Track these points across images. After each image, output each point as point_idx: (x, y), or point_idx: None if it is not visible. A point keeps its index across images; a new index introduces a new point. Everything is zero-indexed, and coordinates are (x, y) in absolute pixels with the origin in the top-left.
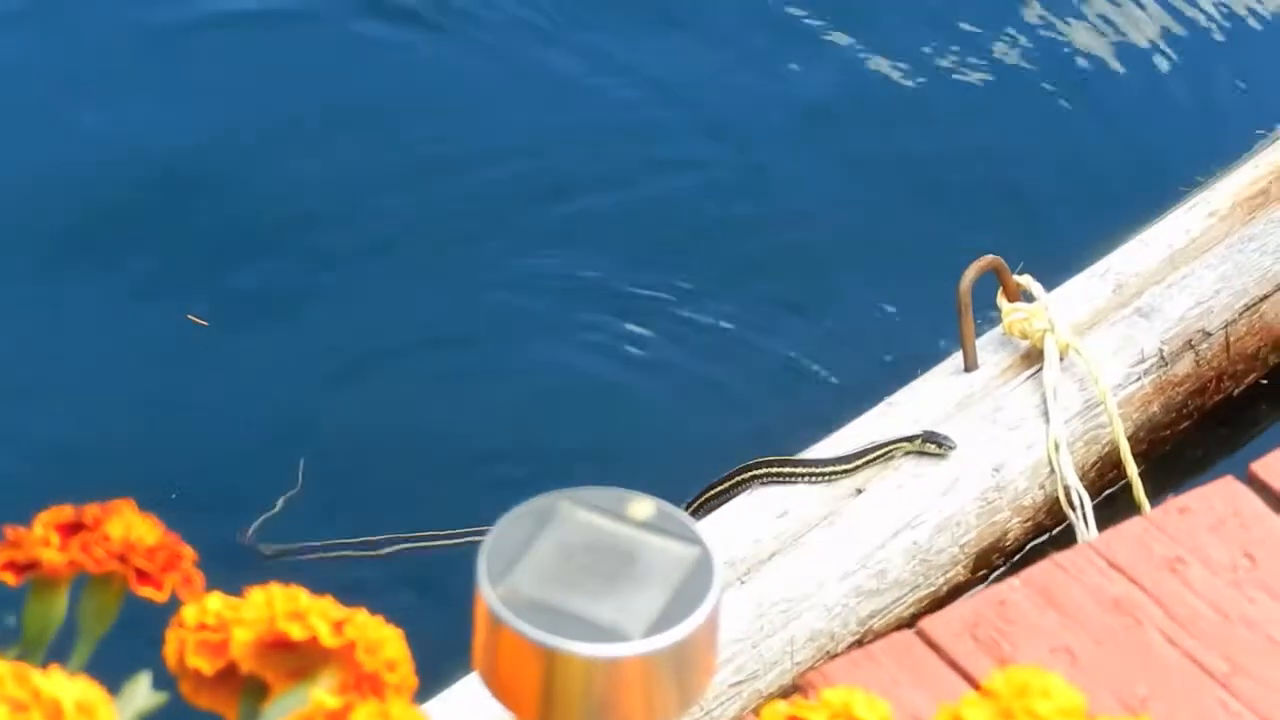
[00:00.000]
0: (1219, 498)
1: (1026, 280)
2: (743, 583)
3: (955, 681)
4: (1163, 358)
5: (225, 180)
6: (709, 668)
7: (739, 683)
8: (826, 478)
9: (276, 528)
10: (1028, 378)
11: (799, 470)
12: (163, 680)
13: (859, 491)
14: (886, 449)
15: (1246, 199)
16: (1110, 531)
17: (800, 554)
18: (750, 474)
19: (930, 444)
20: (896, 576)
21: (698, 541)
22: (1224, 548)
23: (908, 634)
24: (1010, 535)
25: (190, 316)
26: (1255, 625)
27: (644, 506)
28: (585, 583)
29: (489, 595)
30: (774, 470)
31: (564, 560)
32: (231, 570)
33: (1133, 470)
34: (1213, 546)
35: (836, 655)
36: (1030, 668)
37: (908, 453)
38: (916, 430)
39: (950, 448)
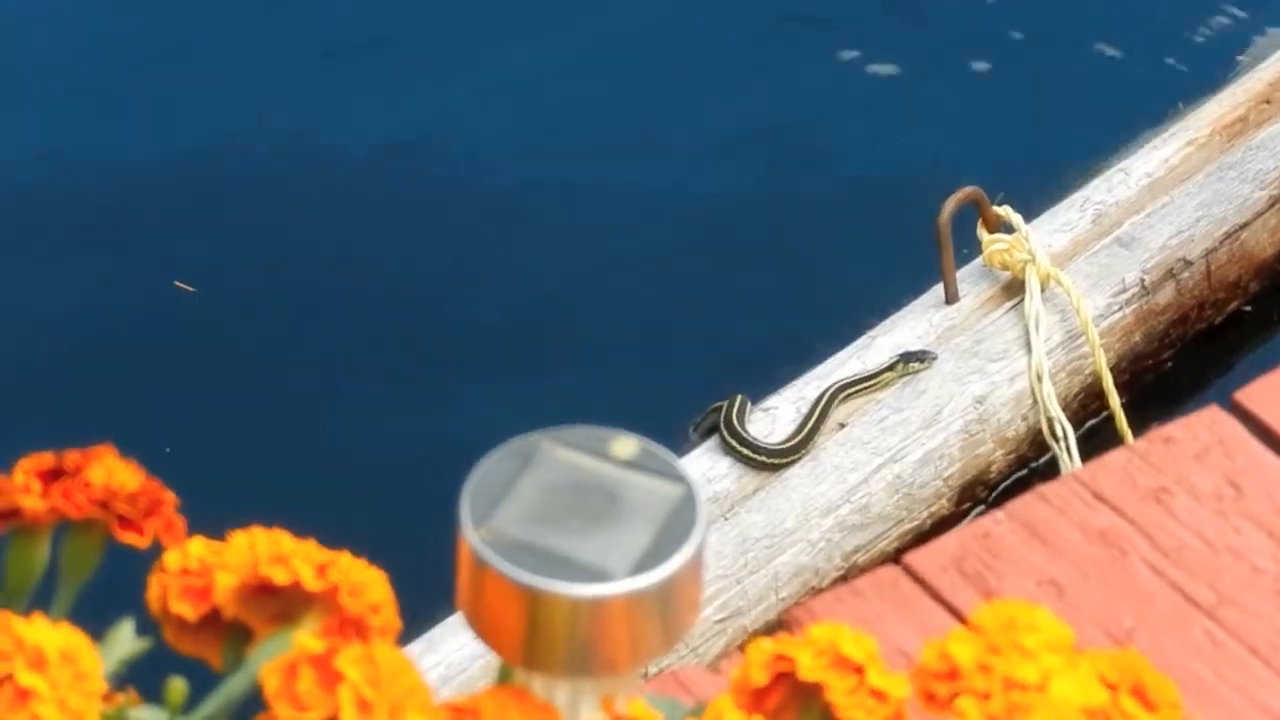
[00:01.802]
0: (1203, 427)
1: (1006, 211)
2: (726, 519)
3: (941, 616)
4: (1144, 287)
5: None
6: (694, 605)
7: (724, 619)
8: (765, 466)
9: None
10: (1009, 309)
11: (743, 450)
12: (146, 627)
13: (841, 426)
14: (850, 390)
15: (1225, 126)
16: (1094, 463)
17: (784, 489)
18: (717, 417)
19: (913, 363)
20: (880, 511)
21: (682, 479)
22: (1209, 477)
23: (893, 569)
24: (994, 467)
25: (178, 283)
26: (1241, 555)
27: (627, 445)
28: (569, 522)
29: (472, 537)
30: (723, 431)
31: (547, 500)
32: None
33: (1115, 401)
34: (1198, 476)
35: (821, 590)
36: (1017, 601)
37: (891, 382)
38: (892, 358)
39: (933, 358)
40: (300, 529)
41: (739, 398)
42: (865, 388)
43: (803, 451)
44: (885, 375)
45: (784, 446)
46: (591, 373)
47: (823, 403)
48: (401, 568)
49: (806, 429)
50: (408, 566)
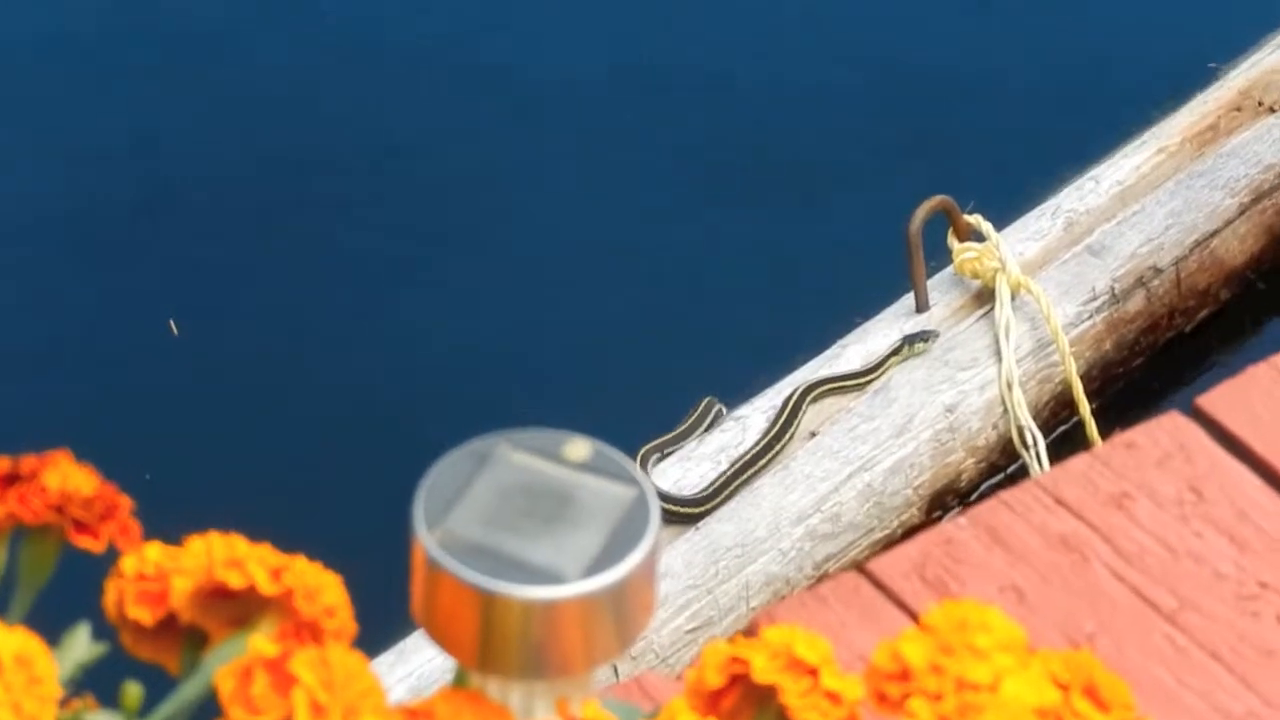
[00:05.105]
0: (1164, 433)
1: (976, 219)
2: (697, 529)
3: (903, 621)
4: (1114, 295)
5: None
6: (648, 607)
7: (695, 629)
8: (679, 518)
9: None
10: (979, 317)
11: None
12: (103, 631)
13: (813, 435)
14: (830, 386)
15: (1196, 134)
16: (1057, 468)
17: (754, 499)
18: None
19: (918, 344)
20: (851, 520)
21: (635, 482)
22: (1170, 483)
23: (854, 575)
24: (964, 476)
25: (171, 323)
26: (1202, 560)
27: (581, 448)
28: (522, 525)
29: (426, 539)
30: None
31: (501, 503)
32: None
33: (1085, 409)
34: (1159, 482)
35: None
36: (969, 602)
37: (893, 366)
38: (895, 342)
39: (935, 336)
40: (276, 541)
41: (649, 446)
42: (866, 381)
43: (717, 500)
44: (890, 361)
45: (698, 496)
46: (555, 385)
47: (757, 446)
48: (373, 579)
49: (727, 477)
50: (379, 577)
